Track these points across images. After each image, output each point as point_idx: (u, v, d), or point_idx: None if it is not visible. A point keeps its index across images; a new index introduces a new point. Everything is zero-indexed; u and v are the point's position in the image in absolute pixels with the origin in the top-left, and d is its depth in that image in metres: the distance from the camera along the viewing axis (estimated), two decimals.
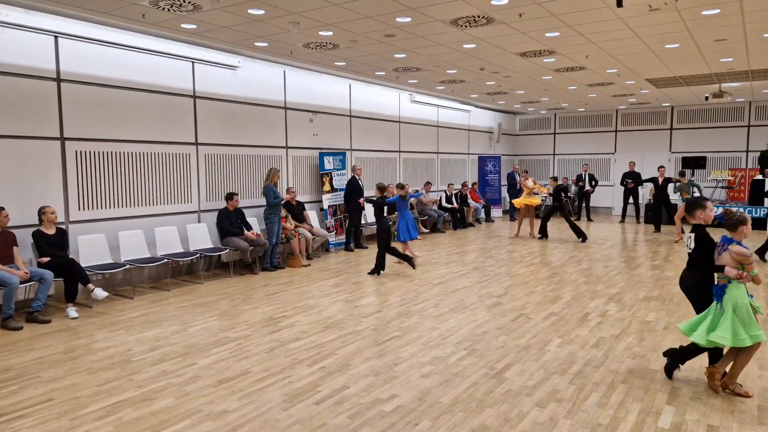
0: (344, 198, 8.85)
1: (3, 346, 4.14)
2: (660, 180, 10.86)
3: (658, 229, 10.91)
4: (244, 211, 7.13)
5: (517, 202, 10.40)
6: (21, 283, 4.69)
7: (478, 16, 5.49)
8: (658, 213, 10.98)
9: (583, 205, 13.19)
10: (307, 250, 7.83)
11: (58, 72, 5.60)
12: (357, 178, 8.80)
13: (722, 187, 12.62)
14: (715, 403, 3.08)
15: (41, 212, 5.15)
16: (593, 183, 13.22)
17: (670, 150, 13.81)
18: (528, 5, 5.13)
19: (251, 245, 6.86)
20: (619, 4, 4.72)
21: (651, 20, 5.66)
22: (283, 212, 7.64)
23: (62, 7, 5.13)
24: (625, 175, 12.40)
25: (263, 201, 7.27)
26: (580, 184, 13.13)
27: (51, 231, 5.20)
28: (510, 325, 4.59)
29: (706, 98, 10.42)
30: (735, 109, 12.93)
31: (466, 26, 5.86)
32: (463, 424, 2.84)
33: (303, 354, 3.91)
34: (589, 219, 12.96)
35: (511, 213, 13.55)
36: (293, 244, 7.44)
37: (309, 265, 7.46)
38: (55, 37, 5.55)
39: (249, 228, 7.00)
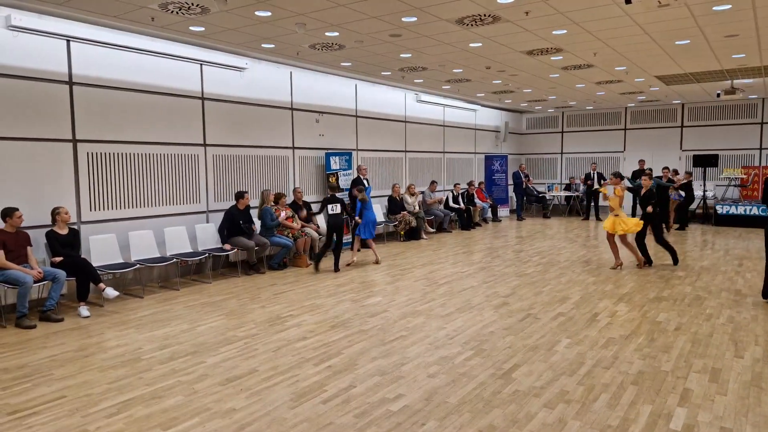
0: (349, 198, 8.87)
1: (17, 344, 4.21)
2: (665, 181, 10.64)
3: (667, 229, 10.71)
4: (252, 211, 7.18)
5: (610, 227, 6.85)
6: (34, 282, 4.76)
7: (484, 15, 5.47)
8: (664, 213, 10.67)
9: (592, 204, 13.08)
10: (313, 250, 7.87)
11: (70, 75, 5.68)
12: (362, 178, 8.83)
13: (735, 186, 12.42)
14: (729, 405, 3.04)
15: (55, 213, 5.23)
16: (602, 182, 13.08)
17: (681, 148, 13.63)
18: (534, 3, 5.09)
19: (257, 245, 6.91)
20: (628, 0, 4.67)
21: (660, 16, 5.59)
22: (290, 212, 7.68)
23: (74, 11, 5.21)
24: (635, 174, 12.24)
25: None
26: (589, 182, 13.02)
27: (64, 231, 5.28)
28: (517, 326, 4.56)
29: (718, 95, 10.26)
30: (748, 105, 12.72)
31: (472, 25, 5.84)
32: (471, 424, 2.83)
33: (310, 353, 3.92)
34: (597, 218, 12.84)
35: (518, 212, 13.48)
36: (299, 243, 7.47)
37: (311, 264, 7.51)
38: (67, 40, 5.63)
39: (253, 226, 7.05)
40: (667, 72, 8.91)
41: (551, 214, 14.10)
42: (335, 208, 7.14)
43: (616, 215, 6.79)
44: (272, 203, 7.35)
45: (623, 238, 6.84)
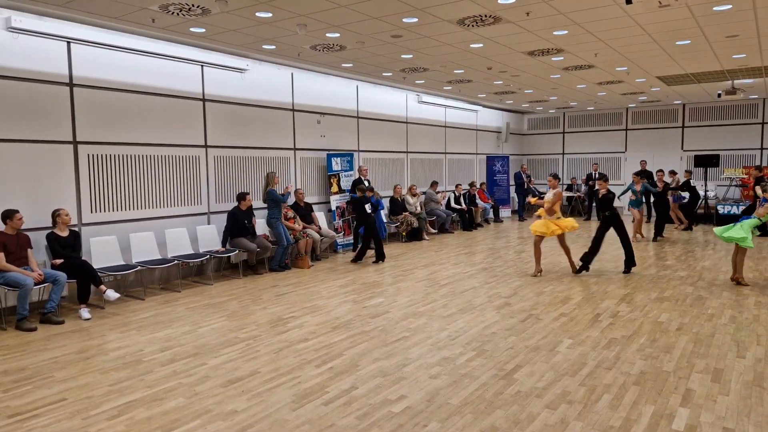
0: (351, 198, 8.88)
1: (17, 347, 4.21)
2: (659, 184, 10.33)
3: (660, 233, 9.81)
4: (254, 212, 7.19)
5: (536, 228, 6.65)
6: (35, 284, 4.76)
7: (485, 16, 5.47)
8: (665, 217, 10.30)
9: (593, 204, 13.05)
10: (315, 251, 7.87)
11: (70, 77, 5.69)
12: (363, 178, 8.84)
13: (736, 186, 12.40)
14: (731, 405, 3.02)
15: (55, 215, 5.23)
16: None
17: (682, 148, 13.62)
18: (535, 3, 5.09)
19: (259, 247, 6.91)
20: (629, 1, 4.66)
21: (661, 17, 5.59)
22: (292, 213, 7.69)
23: (74, 13, 5.22)
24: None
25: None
26: (590, 183, 13.01)
27: (64, 233, 5.28)
28: (519, 326, 4.55)
29: (719, 95, 10.25)
30: (749, 106, 12.71)
31: (473, 26, 5.84)
32: (473, 425, 2.83)
33: (311, 354, 3.92)
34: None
35: (520, 213, 13.47)
36: (300, 244, 7.47)
37: (313, 265, 7.51)
38: (68, 42, 5.64)
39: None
40: (668, 72, 8.90)
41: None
42: (370, 208, 7.57)
43: (558, 217, 6.61)
44: (277, 185, 7.32)
45: (561, 240, 6.69)
